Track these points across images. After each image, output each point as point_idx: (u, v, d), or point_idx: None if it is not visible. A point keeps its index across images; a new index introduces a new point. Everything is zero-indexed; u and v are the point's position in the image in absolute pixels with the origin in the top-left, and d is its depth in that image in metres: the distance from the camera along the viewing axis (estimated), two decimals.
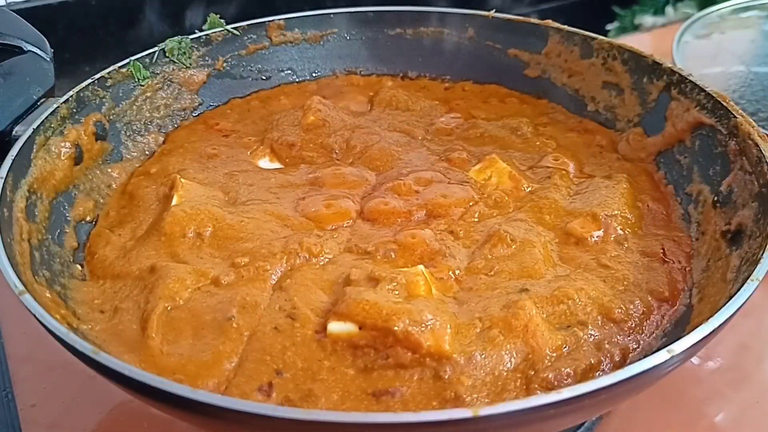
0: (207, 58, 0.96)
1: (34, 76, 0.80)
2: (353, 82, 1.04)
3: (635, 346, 0.62)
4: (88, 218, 0.77)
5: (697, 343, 0.50)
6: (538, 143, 0.88)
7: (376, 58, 1.04)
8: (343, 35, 1.03)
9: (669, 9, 1.64)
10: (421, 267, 0.64)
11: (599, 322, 0.62)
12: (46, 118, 0.74)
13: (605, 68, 0.91)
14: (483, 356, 0.57)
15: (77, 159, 0.77)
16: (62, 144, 0.75)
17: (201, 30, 0.96)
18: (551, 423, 0.50)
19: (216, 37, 0.96)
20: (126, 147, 0.86)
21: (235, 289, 0.64)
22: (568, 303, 0.62)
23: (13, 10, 0.97)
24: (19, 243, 0.63)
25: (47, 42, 0.85)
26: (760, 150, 0.68)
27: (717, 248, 0.69)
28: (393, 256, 0.68)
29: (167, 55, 0.92)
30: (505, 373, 0.57)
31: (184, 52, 0.93)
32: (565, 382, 0.57)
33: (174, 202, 0.74)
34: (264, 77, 1.02)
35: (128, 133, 0.87)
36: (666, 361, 0.48)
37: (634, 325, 0.63)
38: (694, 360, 0.75)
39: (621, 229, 0.72)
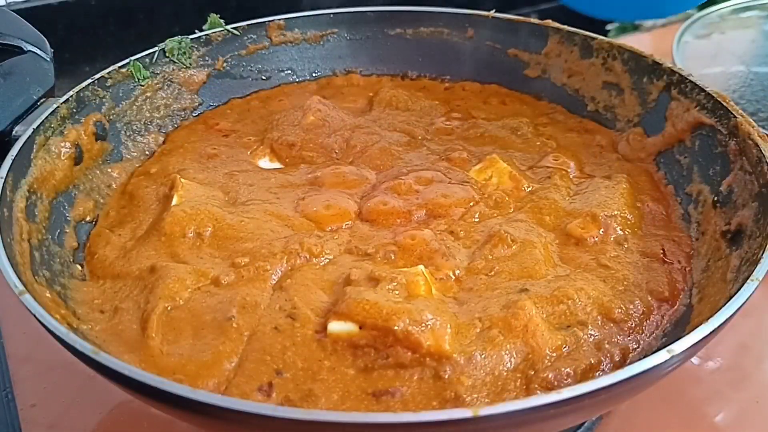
0: (207, 58, 0.96)
1: (34, 76, 0.80)
2: (353, 82, 1.04)
3: (635, 346, 0.62)
4: (88, 218, 0.77)
5: (697, 343, 0.50)
6: (538, 143, 0.88)
7: (376, 58, 1.04)
8: (343, 35, 1.03)
9: None
10: (421, 267, 0.64)
11: (599, 322, 0.63)
12: (46, 118, 0.74)
13: (605, 68, 0.91)
14: (483, 356, 0.57)
15: (77, 159, 0.77)
16: (62, 144, 0.75)
17: (201, 30, 0.96)
18: (551, 423, 0.50)
19: (216, 37, 0.96)
20: (126, 147, 0.86)
21: (235, 289, 0.64)
22: (568, 303, 0.62)
23: (13, 10, 0.97)
24: (19, 243, 0.63)
25: (47, 42, 0.85)
26: (760, 150, 0.68)
27: (717, 248, 0.69)
28: (393, 257, 0.68)
29: (167, 55, 0.92)
30: (505, 373, 0.57)
31: (184, 52, 0.93)
32: (565, 382, 0.57)
33: (174, 202, 0.74)
34: (264, 77, 1.02)
35: (128, 133, 0.87)
36: (666, 361, 0.48)
37: (634, 325, 0.63)
38: (694, 360, 0.75)
39: (621, 230, 0.72)
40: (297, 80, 1.03)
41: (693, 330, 0.50)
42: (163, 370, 0.57)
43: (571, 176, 0.81)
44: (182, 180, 0.77)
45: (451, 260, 0.68)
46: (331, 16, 1.02)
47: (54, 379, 0.73)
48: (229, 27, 0.97)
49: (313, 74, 1.04)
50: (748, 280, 0.55)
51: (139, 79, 0.88)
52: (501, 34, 0.99)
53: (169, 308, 0.63)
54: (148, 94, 0.90)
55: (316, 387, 0.55)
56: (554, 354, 0.59)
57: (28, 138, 0.71)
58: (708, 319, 0.51)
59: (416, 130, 0.91)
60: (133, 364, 0.57)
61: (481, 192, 0.77)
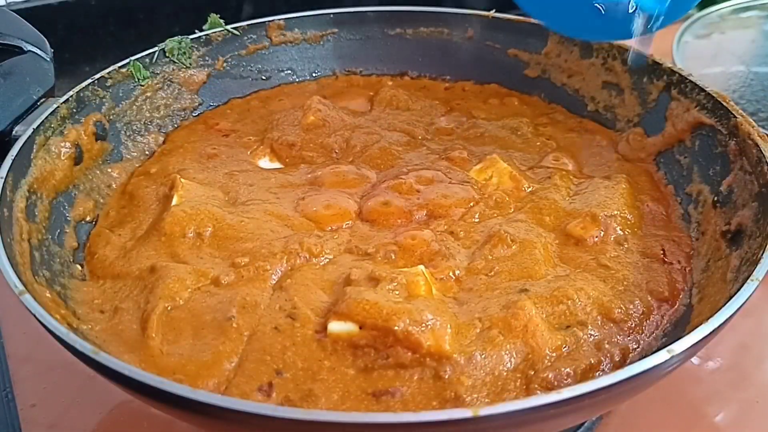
0: (207, 58, 0.96)
1: (34, 76, 0.80)
2: (353, 82, 1.04)
3: (635, 346, 0.62)
4: (88, 218, 0.77)
5: (697, 343, 0.50)
6: (538, 143, 0.88)
7: (376, 58, 1.04)
8: (343, 35, 1.03)
9: None
10: (421, 267, 0.64)
11: (599, 322, 0.63)
12: (46, 118, 0.74)
13: (605, 68, 0.91)
14: (483, 356, 0.57)
15: (77, 159, 0.77)
16: (62, 144, 0.75)
17: (201, 30, 0.96)
18: (551, 423, 0.50)
19: (216, 37, 0.96)
20: (126, 147, 0.86)
21: (235, 289, 0.64)
22: (568, 303, 0.62)
23: (13, 10, 0.97)
24: (19, 243, 0.63)
25: (47, 42, 0.85)
26: (760, 150, 0.68)
27: (717, 248, 0.69)
28: (393, 257, 0.68)
29: (167, 55, 0.92)
30: (505, 373, 0.57)
31: (184, 52, 0.93)
32: (565, 382, 0.57)
33: (174, 202, 0.74)
34: (264, 77, 1.02)
35: (128, 133, 0.87)
36: (666, 361, 0.48)
37: (634, 325, 0.63)
38: (694, 360, 0.75)
39: (621, 230, 0.72)
40: (297, 80, 1.03)
41: (693, 330, 0.50)
42: (163, 370, 0.57)
43: (570, 176, 0.81)
44: (182, 180, 0.77)
45: (451, 260, 0.68)
46: (331, 16, 1.02)
47: (54, 379, 0.73)
48: (229, 27, 0.97)
49: (313, 74, 1.04)
50: (748, 280, 0.55)
51: (139, 79, 0.88)
52: (501, 34, 0.99)
53: (169, 308, 0.63)
54: (148, 94, 0.90)
55: (316, 387, 0.55)
56: (554, 354, 0.59)
57: (28, 138, 0.71)
58: (708, 319, 0.51)
59: (416, 130, 0.91)
60: (133, 364, 0.57)
61: (481, 192, 0.77)
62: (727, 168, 0.73)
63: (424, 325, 0.56)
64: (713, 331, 0.50)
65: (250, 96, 1.00)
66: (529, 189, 0.78)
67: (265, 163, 0.86)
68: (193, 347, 0.59)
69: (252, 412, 0.44)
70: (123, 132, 0.86)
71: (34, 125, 0.72)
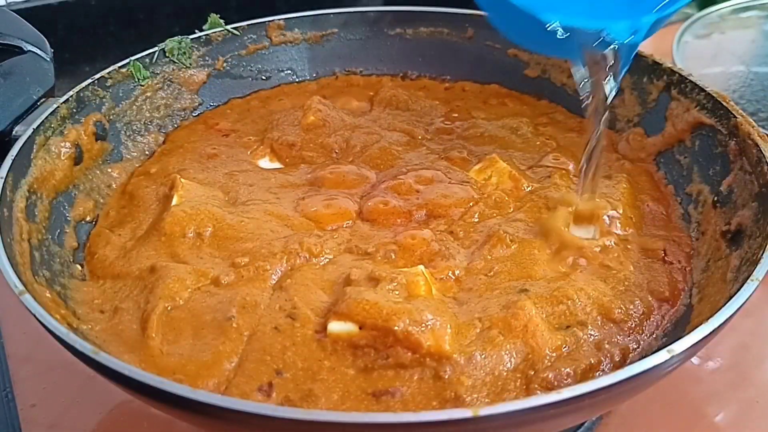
0: (207, 58, 0.96)
1: (34, 76, 0.80)
2: (353, 82, 1.04)
3: (635, 347, 0.62)
4: (88, 218, 0.77)
5: (697, 343, 0.49)
6: (538, 143, 0.88)
7: (376, 58, 1.04)
8: (343, 35, 1.03)
9: None
10: (421, 267, 0.64)
11: (599, 323, 0.62)
12: (46, 118, 0.74)
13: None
14: (483, 356, 0.57)
15: (77, 159, 0.78)
16: (62, 144, 0.75)
17: (201, 30, 0.96)
18: (551, 423, 0.50)
19: (216, 37, 0.96)
20: (126, 147, 0.86)
21: (235, 289, 0.64)
22: (568, 303, 0.62)
23: (13, 10, 0.97)
24: (19, 243, 0.63)
25: (47, 42, 0.85)
26: (760, 150, 0.68)
27: (717, 248, 0.69)
28: (393, 256, 0.68)
29: (167, 55, 0.92)
30: (505, 373, 0.57)
31: (184, 52, 0.93)
32: (564, 382, 0.57)
33: (174, 202, 0.74)
34: (264, 77, 1.02)
35: (128, 133, 0.87)
36: (666, 361, 0.48)
37: (634, 325, 0.63)
38: (694, 360, 0.75)
39: (622, 229, 0.72)
40: (297, 80, 1.03)
41: (693, 330, 0.50)
42: (163, 370, 0.57)
43: (571, 176, 0.81)
44: (182, 180, 0.77)
45: (450, 260, 0.68)
46: (331, 16, 1.02)
47: (54, 379, 0.73)
48: (229, 27, 0.97)
49: (313, 74, 1.04)
50: (748, 280, 0.55)
51: (139, 79, 0.88)
52: (501, 34, 0.99)
53: (169, 308, 0.63)
54: (148, 94, 0.90)
55: (316, 387, 0.55)
56: (554, 354, 0.59)
57: (28, 138, 0.71)
58: (708, 319, 0.51)
59: (416, 130, 0.91)
60: (133, 364, 0.57)
61: (481, 192, 0.77)
62: (727, 168, 0.73)
63: (424, 325, 0.56)
64: (713, 331, 0.50)
65: (250, 96, 1.00)
66: (529, 188, 0.78)
67: (265, 163, 0.86)
68: (193, 347, 0.59)
69: (252, 412, 0.44)
70: (123, 132, 0.86)
71: (34, 125, 0.72)
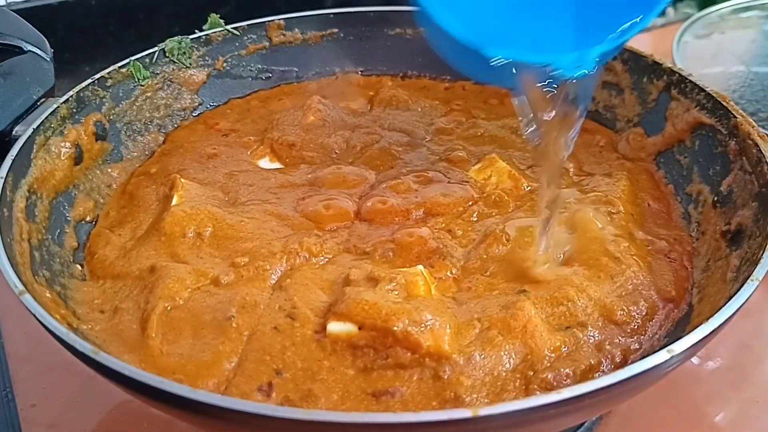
0: (207, 58, 0.96)
1: (34, 76, 0.80)
2: (353, 82, 1.04)
3: (636, 347, 0.61)
4: (88, 218, 0.77)
5: (697, 343, 0.49)
6: None
7: (376, 58, 1.04)
8: (343, 35, 1.03)
9: (669, 9, 1.64)
10: (420, 267, 0.64)
11: (600, 324, 0.62)
12: (46, 118, 0.74)
13: (605, 68, 0.91)
14: (482, 357, 0.57)
15: (77, 159, 0.78)
16: (62, 144, 0.75)
17: (201, 30, 0.96)
18: (551, 423, 0.50)
19: (216, 37, 0.96)
20: (126, 147, 0.86)
21: (235, 289, 0.64)
22: (568, 305, 0.62)
23: (13, 10, 0.97)
24: (19, 243, 0.63)
25: (47, 42, 0.85)
26: (760, 150, 0.68)
27: (717, 248, 0.69)
28: (391, 255, 0.68)
29: (167, 55, 0.92)
30: (504, 374, 0.57)
31: (184, 52, 0.93)
32: (564, 382, 0.57)
33: (174, 202, 0.74)
34: (264, 77, 1.02)
35: (128, 133, 0.87)
36: (666, 361, 0.48)
37: (636, 326, 0.63)
38: (694, 360, 0.75)
39: (623, 226, 0.72)
40: (297, 80, 1.03)
41: (693, 330, 0.50)
42: (163, 370, 0.57)
43: (571, 174, 0.81)
44: (182, 180, 0.77)
45: (448, 259, 0.68)
46: (331, 16, 1.02)
47: (54, 379, 0.73)
48: (229, 27, 0.97)
49: (313, 74, 1.04)
50: (748, 280, 0.55)
51: (139, 79, 0.88)
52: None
53: (168, 308, 0.63)
54: (148, 94, 0.90)
55: (315, 387, 0.55)
56: (553, 355, 0.58)
57: (28, 138, 0.71)
58: (708, 319, 0.51)
59: (416, 130, 0.91)
60: (133, 364, 0.57)
61: (481, 191, 0.77)
62: (727, 168, 0.73)
63: (423, 325, 0.56)
64: (713, 331, 0.50)
65: (250, 96, 1.00)
66: (528, 188, 0.78)
67: (265, 163, 0.86)
68: (192, 347, 0.59)
69: (252, 412, 0.44)
70: (123, 132, 0.86)
71: (34, 125, 0.72)
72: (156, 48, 0.91)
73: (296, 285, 0.64)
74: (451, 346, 0.56)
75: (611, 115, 0.91)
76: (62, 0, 1.21)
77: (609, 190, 0.76)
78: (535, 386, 0.56)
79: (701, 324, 0.50)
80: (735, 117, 0.73)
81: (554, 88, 0.59)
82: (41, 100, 0.78)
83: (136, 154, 0.87)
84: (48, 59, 0.83)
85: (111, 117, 0.85)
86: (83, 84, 0.81)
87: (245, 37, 0.99)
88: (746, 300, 0.53)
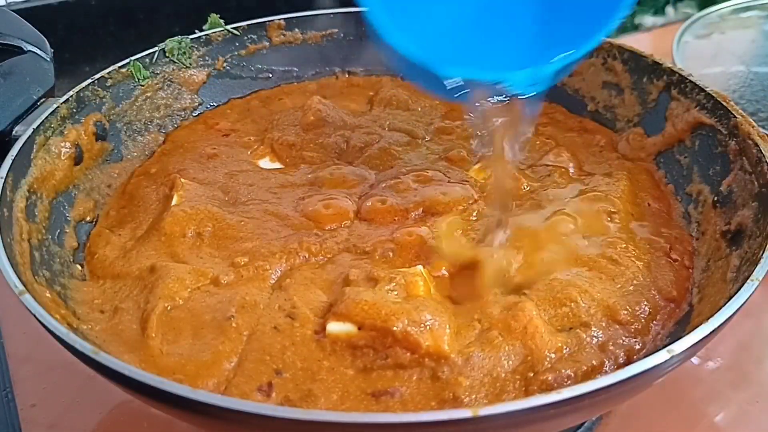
0: (207, 58, 0.96)
1: (34, 76, 0.80)
2: (353, 82, 1.04)
3: (639, 347, 0.61)
4: (88, 218, 0.77)
5: (697, 343, 0.49)
6: (538, 143, 0.88)
7: (376, 58, 1.04)
8: (343, 35, 1.03)
9: (669, 9, 1.64)
10: (420, 267, 0.64)
11: (604, 324, 0.62)
12: (46, 118, 0.74)
13: (605, 68, 0.91)
14: (481, 357, 0.57)
15: (77, 159, 0.78)
16: (62, 144, 0.75)
17: (201, 30, 0.96)
18: (551, 423, 0.50)
19: (216, 37, 0.96)
20: (126, 147, 0.86)
21: (235, 289, 0.64)
22: (571, 306, 0.62)
23: (13, 10, 0.97)
24: (19, 243, 0.63)
25: (47, 42, 0.85)
26: (760, 150, 0.68)
27: (717, 248, 0.69)
28: (391, 255, 0.68)
29: (167, 55, 0.92)
30: (503, 375, 0.56)
31: (184, 52, 0.93)
32: (565, 384, 0.56)
33: (174, 202, 0.74)
34: (264, 77, 1.02)
35: (128, 133, 0.87)
36: (666, 361, 0.48)
37: (640, 326, 0.63)
38: (694, 360, 0.75)
39: (624, 226, 0.72)
40: (297, 80, 1.03)
41: (693, 330, 0.50)
42: (162, 370, 0.57)
43: (570, 174, 0.81)
44: (182, 180, 0.77)
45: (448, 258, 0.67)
46: (331, 16, 1.02)
47: (54, 379, 0.73)
48: (229, 27, 0.97)
49: (313, 74, 1.04)
50: (748, 280, 0.54)
51: (139, 79, 0.88)
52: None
53: (168, 308, 0.63)
54: (148, 94, 0.90)
55: (315, 387, 0.55)
56: (554, 356, 0.58)
57: (28, 138, 0.71)
58: (708, 319, 0.51)
59: (416, 130, 0.91)
60: (133, 364, 0.57)
61: (481, 191, 0.77)
62: (727, 168, 0.73)
63: (422, 325, 0.56)
64: (713, 331, 0.50)
65: (250, 96, 1.00)
66: (528, 188, 0.78)
67: (265, 163, 0.86)
68: (192, 347, 0.59)
69: (252, 412, 0.44)
70: (123, 132, 0.86)
71: (34, 125, 0.72)
72: (156, 48, 0.91)
73: (296, 285, 0.64)
74: (451, 346, 0.56)
75: (611, 115, 0.91)
76: (62, 0, 1.21)
77: (609, 190, 0.76)
78: (535, 387, 0.56)
79: (701, 324, 0.50)
80: (735, 117, 0.73)
81: (506, 99, 0.58)
82: (41, 100, 0.78)
83: (136, 154, 0.87)
84: (48, 59, 0.83)
85: (111, 117, 0.85)
86: (83, 84, 0.81)
87: (245, 37, 0.99)
88: (746, 300, 0.53)
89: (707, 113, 0.77)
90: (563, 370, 0.57)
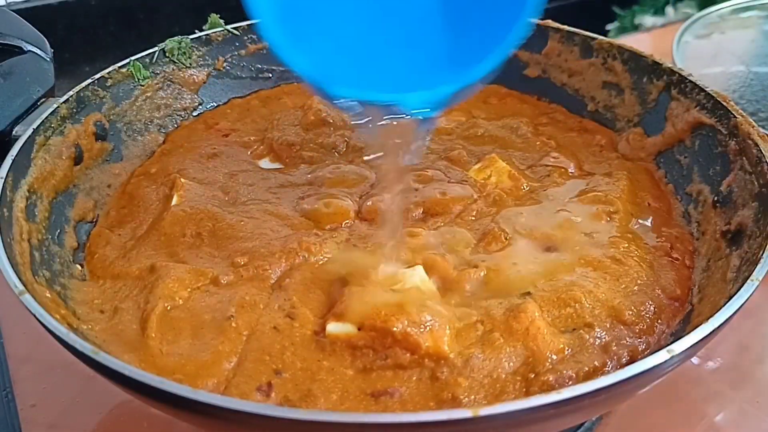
0: (207, 58, 0.96)
1: (34, 76, 0.80)
2: None
3: (644, 347, 0.61)
4: (88, 218, 0.77)
5: (697, 343, 0.49)
6: (538, 143, 0.88)
7: None
8: None
9: (669, 9, 1.64)
10: (420, 267, 0.64)
11: (608, 325, 0.61)
12: (46, 118, 0.74)
13: (605, 68, 0.91)
14: (482, 358, 0.56)
15: (77, 159, 0.77)
16: (62, 144, 0.75)
17: (201, 30, 0.96)
18: (551, 423, 0.50)
19: (216, 37, 0.96)
20: (126, 147, 0.86)
21: (235, 289, 0.64)
22: (575, 306, 0.62)
23: (13, 10, 0.97)
24: (19, 243, 0.63)
25: (47, 42, 0.85)
26: (760, 150, 0.68)
27: (717, 248, 0.69)
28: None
29: (167, 55, 0.92)
30: (503, 376, 0.56)
31: (184, 52, 0.93)
32: (566, 385, 0.56)
33: (174, 202, 0.74)
34: (264, 77, 1.02)
35: (128, 133, 0.87)
36: (666, 361, 0.48)
37: (645, 326, 0.62)
38: (694, 360, 0.75)
39: (624, 225, 0.72)
40: (297, 80, 1.03)
41: (693, 330, 0.50)
42: (162, 370, 0.57)
43: (570, 174, 0.81)
44: (182, 180, 0.77)
45: (447, 257, 0.67)
46: None
47: (54, 379, 0.73)
48: (229, 27, 0.97)
49: None
50: (748, 280, 0.55)
51: (139, 79, 0.88)
52: None
53: (168, 308, 0.63)
54: (148, 94, 0.90)
55: (315, 387, 0.55)
56: (556, 357, 0.58)
57: (28, 138, 0.71)
58: (708, 319, 0.51)
59: None
60: (133, 364, 0.57)
61: (480, 191, 0.77)
62: (727, 168, 0.73)
63: (422, 326, 0.56)
64: (713, 331, 0.50)
65: (250, 96, 1.00)
66: (528, 187, 0.78)
67: (266, 162, 0.86)
68: (192, 347, 0.59)
69: (252, 412, 0.44)
70: (123, 132, 0.86)
71: (34, 125, 0.72)
72: (156, 48, 0.91)
73: (296, 285, 0.64)
74: (451, 347, 0.56)
75: (611, 115, 0.91)
76: (62, 0, 1.21)
77: (609, 190, 0.76)
78: (536, 388, 0.55)
79: (701, 324, 0.50)
80: (735, 117, 0.73)
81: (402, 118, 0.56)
82: (41, 100, 0.78)
83: (136, 154, 0.87)
84: (48, 59, 0.83)
85: (111, 117, 0.85)
86: (83, 84, 0.81)
87: (245, 37, 0.98)
88: (746, 300, 0.53)
89: (707, 113, 0.77)
90: (564, 371, 0.57)
